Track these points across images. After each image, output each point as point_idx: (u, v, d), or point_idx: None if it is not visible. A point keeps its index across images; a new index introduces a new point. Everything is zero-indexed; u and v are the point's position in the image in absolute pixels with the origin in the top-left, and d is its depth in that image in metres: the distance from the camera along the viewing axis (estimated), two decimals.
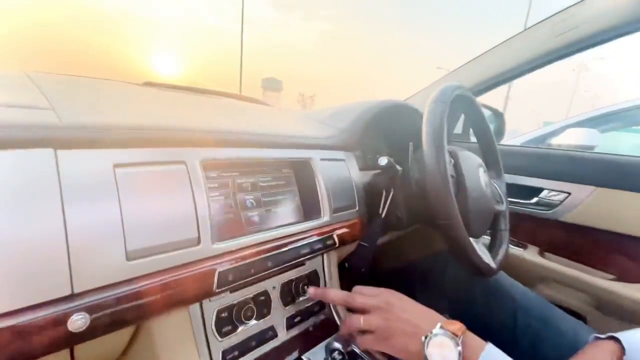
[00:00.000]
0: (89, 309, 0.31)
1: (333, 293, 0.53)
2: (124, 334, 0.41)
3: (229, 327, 0.47)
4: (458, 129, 1.24)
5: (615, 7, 0.78)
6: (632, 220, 0.82)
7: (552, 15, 0.88)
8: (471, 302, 0.82)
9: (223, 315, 0.46)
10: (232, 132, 0.50)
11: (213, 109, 0.68)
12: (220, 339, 0.46)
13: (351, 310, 0.50)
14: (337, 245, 0.60)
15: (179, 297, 0.38)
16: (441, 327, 0.40)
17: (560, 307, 0.72)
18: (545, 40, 0.91)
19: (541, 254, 0.98)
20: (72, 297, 0.31)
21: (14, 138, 0.30)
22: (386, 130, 0.97)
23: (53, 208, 0.31)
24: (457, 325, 0.40)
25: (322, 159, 0.62)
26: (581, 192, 0.88)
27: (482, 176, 0.71)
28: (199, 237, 0.41)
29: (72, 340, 0.30)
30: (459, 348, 0.38)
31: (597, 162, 0.88)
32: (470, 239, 0.63)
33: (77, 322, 0.30)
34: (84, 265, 0.32)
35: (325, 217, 0.59)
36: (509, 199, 0.97)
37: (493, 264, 0.66)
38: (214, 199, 0.48)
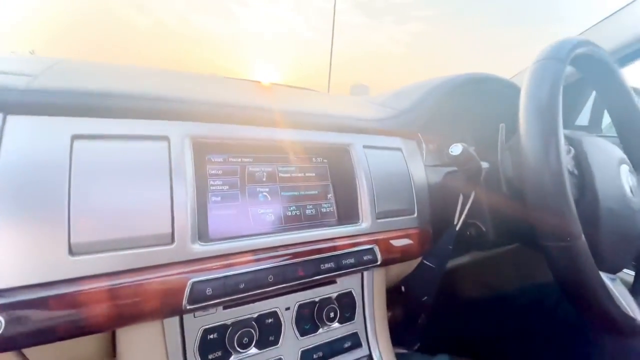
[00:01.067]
0: (8, 311, 0.25)
1: None
2: (97, 345, 0.35)
3: (218, 354, 0.36)
4: (582, 119, 0.91)
5: None
6: None
7: None
8: None
9: (212, 336, 0.36)
10: (241, 106, 0.40)
11: (245, 88, 0.60)
12: None
13: None
14: (378, 262, 0.44)
15: (133, 310, 0.29)
16: None
17: None
18: None
19: None
20: None
21: None
22: (473, 113, 0.75)
23: None
24: None
25: (365, 146, 0.47)
26: None
27: (626, 177, 0.45)
28: (172, 233, 0.31)
29: None
30: None
31: None
32: (602, 274, 0.40)
33: None
34: (13, 256, 0.25)
35: (365, 223, 0.44)
36: None
37: None
38: (215, 189, 0.38)
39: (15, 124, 0.28)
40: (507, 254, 0.71)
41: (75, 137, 0.29)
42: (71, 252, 0.27)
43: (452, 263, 0.65)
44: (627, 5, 0.71)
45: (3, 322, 0.24)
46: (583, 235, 0.35)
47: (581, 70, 0.52)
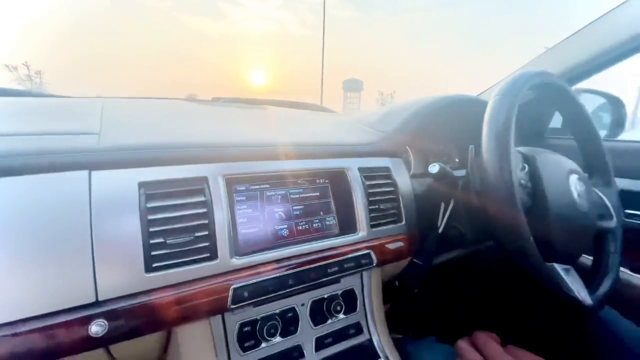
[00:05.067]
0: (108, 317, 0.34)
1: None
2: (158, 339, 0.45)
3: (252, 342, 0.46)
4: (556, 122, 1.01)
5: None
6: None
7: None
8: (566, 344, 0.65)
9: (246, 329, 0.46)
10: (257, 145, 0.50)
11: (252, 121, 0.70)
12: (242, 353, 0.46)
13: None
14: (374, 264, 0.54)
15: (193, 310, 0.39)
16: None
17: None
18: None
19: None
20: (94, 304, 0.34)
21: (53, 162, 0.36)
22: (454, 130, 0.85)
23: (82, 223, 0.35)
24: None
25: (360, 168, 0.57)
26: None
27: (575, 184, 0.55)
28: (216, 251, 0.41)
29: (91, 344, 0.34)
30: None
31: None
32: (555, 265, 0.50)
33: (97, 328, 0.34)
34: (107, 276, 0.35)
35: (361, 233, 0.54)
36: (634, 212, 0.74)
37: (589, 299, 0.51)
38: (241, 212, 0.48)
39: (98, 177, 0.37)
40: (488, 250, 0.82)
41: (141, 184, 0.39)
42: (146, 270, 0.37)
43: (439, 259, 0.75)
44: (591, 22, 0.80)
45: (107, 325, 0.34)
46: (532, 238, 0.45)
47: (538, 94, 0.61)
